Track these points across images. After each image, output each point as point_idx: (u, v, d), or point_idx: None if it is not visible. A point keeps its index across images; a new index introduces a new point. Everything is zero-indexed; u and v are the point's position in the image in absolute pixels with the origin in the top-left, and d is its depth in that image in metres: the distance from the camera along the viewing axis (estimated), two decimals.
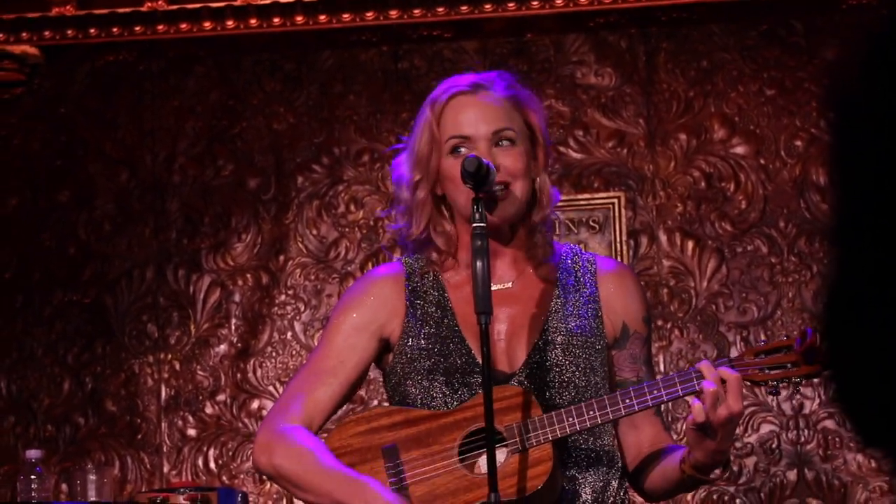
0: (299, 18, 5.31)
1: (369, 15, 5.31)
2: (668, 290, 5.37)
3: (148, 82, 5.63)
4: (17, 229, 5.57)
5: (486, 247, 2.76)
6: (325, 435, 2.99)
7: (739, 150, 5.42)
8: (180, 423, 5.46)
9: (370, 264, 5.41)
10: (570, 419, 2.80)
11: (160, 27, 5.36)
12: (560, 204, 3.10)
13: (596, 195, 5.44)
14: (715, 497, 5.27)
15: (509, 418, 2.82)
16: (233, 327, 5.50)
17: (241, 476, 5.42)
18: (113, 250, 5.55)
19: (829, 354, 1.42)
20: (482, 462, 2.80)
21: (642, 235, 5.41)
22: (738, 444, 5.22)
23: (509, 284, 3.00)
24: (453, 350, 2.93)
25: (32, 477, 4.80)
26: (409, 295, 3.00)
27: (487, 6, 5.27)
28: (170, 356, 5.50)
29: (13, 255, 5.55)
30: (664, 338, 5.34)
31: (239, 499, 4.93)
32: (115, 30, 5.37)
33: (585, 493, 2.91)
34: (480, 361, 2.86)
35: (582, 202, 5.43)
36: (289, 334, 5.49)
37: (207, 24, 5.34)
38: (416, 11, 5.29)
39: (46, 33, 5.39)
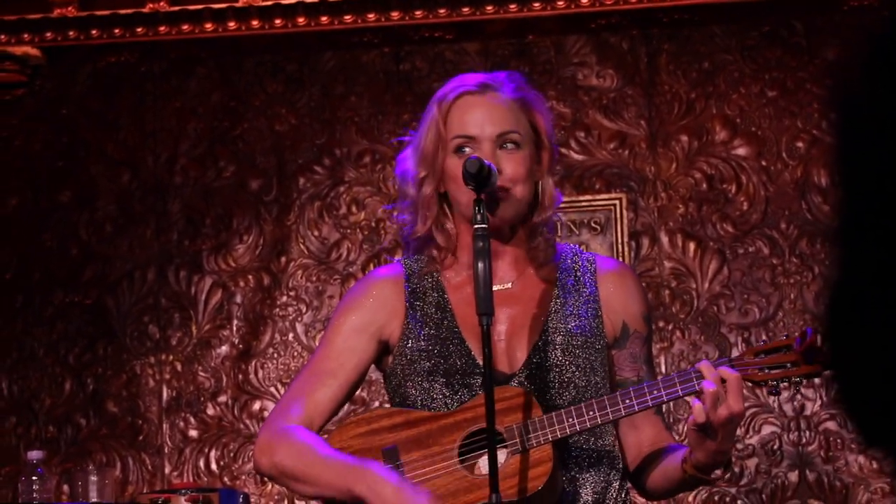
0: (301, 20, 5.31)
1: (371, 16, 5.31)
2: (669, 292, 5.37)
3: (150, 83, 5.63)
4: (18, 230, 5.57)
5: (487, 248, 2.76)
6: (325, 436, 2.99)
7: (741, 151, 5.42)
8: (182, 424, 5.46)
9: (371, 265, 5.41)
10: (571, 420, 2.80)
11: (162, 28, 5.36)
12: (561, 205, 3.10)
13: (597, 197, 5.44)
14: (716, 498, 5.27)
15: (510, 419, 2.82)
16: (234, 328, 5.50)
17: (243, 477, 5.42)
18: (114, 251, 5.55)
19: (830, 354, 1.42)
20: (482, 463, 2.80)
21: (644, 237, 5.41)
22: (739, 446, 5.22)
23: (509, 285, 3.00)
24: (453, 351, 2.93)
25: (34, 478, 4.80)
26: (408, 296, 3.00)
27: (489, 7, 5.27)
28: (171, 357, 5.50)
29: (14, 255, 5.55)
30: (665, 339, 5.34)
31: (240, 500, 4.93)
32: (116, 31, 5.37)
33: (586, 493, 2.91)
34: (480, 362, 2.87)
35: (583, 203, 5.43)
36: (290, 335, 5.49)
37: (209, 26, 5.34)
38: (417, 13, 5.29)
39: (48, 34, 5.39)
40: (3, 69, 5.45)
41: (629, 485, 3.03)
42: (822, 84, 5.33)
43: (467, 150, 2.95)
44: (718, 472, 2.88)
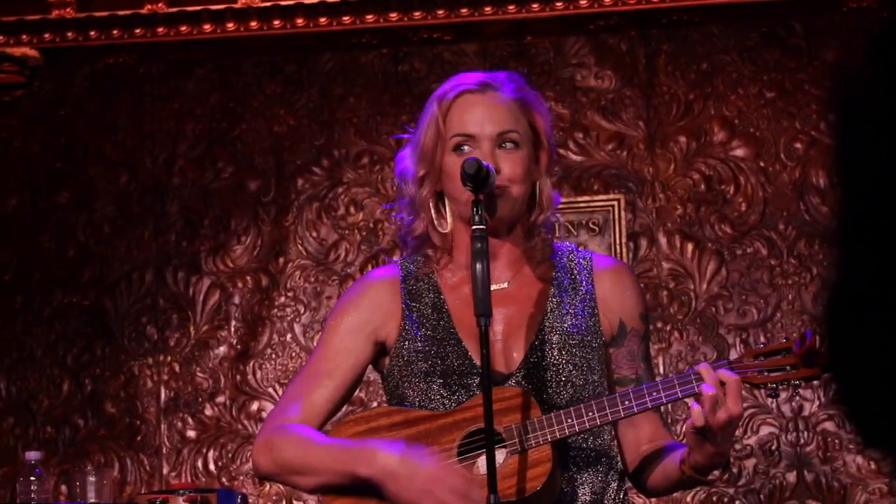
0: (300, 21, 5.31)
1: (369, 17, 5.31)
2: (667, 293, 5.37)
3: (148, 85, 5.63)
4: (16, 230, 5.57)
5: (485, 249, 2.76)
6: None
7: (739, 152, 5.42)
8: (180, 424, 5.46)
9: (370, 266, 5.41)
10: (570, 420, 2.80)
11: (160, 29, 5.36)
12: (560, 206, 3.10)
13: (595, 197, 5.44)
14: (715, 499, 5.27)
15: (508, 419, 2.81)
16: (232, 329, 5.50)
17: (241, 478, 5.42)
18: (112, 252, 5.55)
19: (829, 357, 1.42)
20: (481, 463, 2.79)
21: (642, 238, 5.41)
22: (737, 446, 5.22)
23: (505, 285, 2.99)
24: (450, 352, 2.93)
25: (32, 478, 4.80)
26: (405, 298, 3.00)
27: (487, 8, 5.27)
28: (169, 358, 5.50)
29: (13, 256, 5.55)
30: (664, 340, 5.34)
31: (238, 500, 4.93)
32: (115, 32, 5.37)
33: (584, 493, 2.91)
34: (478, 363, 2.86)
35: (581, 204, 5.43)
36: (288, 336, 5.49)
37: (207, 27, 5.34)
38: (416, 14, 5.29)
39: (46, 35, 5.39)
40: (2, 70, 5.45)
41: (627, 485, 3.03)
42: (820, 85, 5.33)
43: (466, 148, 2.94)
44: (716, 472, 2.88)
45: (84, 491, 4.96)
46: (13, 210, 5.58)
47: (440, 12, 5.28)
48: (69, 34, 5.38)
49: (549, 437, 2.80)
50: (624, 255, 5.36)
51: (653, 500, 4.68)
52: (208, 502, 4.76)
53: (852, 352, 1.37)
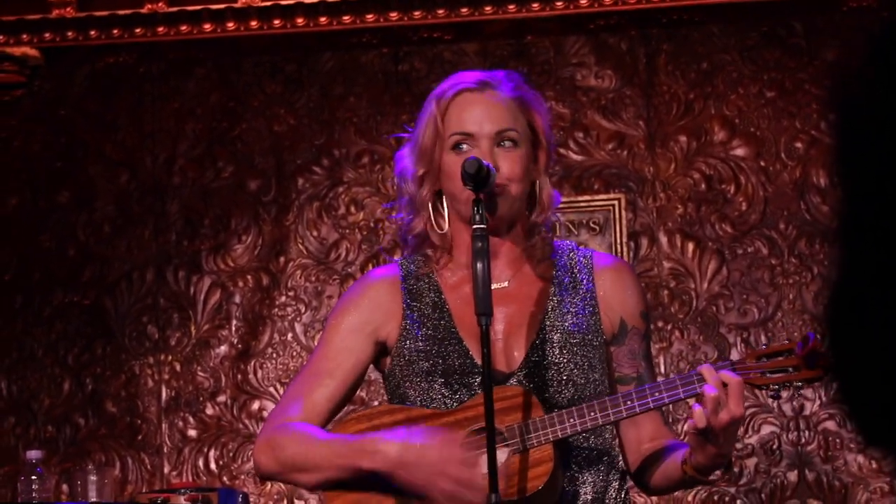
0: (300, 20, 5.32)
1: (370, 17, 5.31)
2: (668, 292, 5.37)
3: (148, 84, 5.63)
4: (17, 230, 5.57)
5: (486, 248, 2.76)
6: None
7: (739, 151, 5.42)
8: (181, 423, 5.46)
9: (370, 265, 5.41)
10: (572, 420, 2.80)
11: (160, 29, 5.36)
12: (560, 206, 3.10)
13: (596, 197, 5.44)
14: (716, 498, 5.27)
15: (510, 418, 2.81)
16: (233, 328, 5.51)
17: (242, 477, 5.42)
18: (113, 252, 5.55)
19: (832, 359, 1.42)
20: (483, 462, 2.79)
21: (642, 237, 5.41)
22: (738, 445, 5.22)
23: (506, 283, 2.99)
24: (451, 351, 2.93)
25: (33, 478, 4.80)
26: (405, 297, 3.00)
27: (488, 8, 5.27)
28: (170, 357, 5.50)
29: (13, 255, 5.56)
30: (664, 339, 5.34)
31: (240, 499, 4.93)
32: (115, 32, 5.37)
33: (586, 492, 2.91)
34: (478, 362, 2.86)
35: (582, 204, 5.43)
36: (289, 335, 5.49)
37: (208, 26, 5.34)
38: (416, 13, 5.29)
39: (46, 35, 5.39)
40: (2, 70, 5.46)
41: (629, 483, 3.03)
42: (821, 85, 5.34)
43: (465, 147, 2.94)
44: (717, 472, 2.88)
45: (85, 490, 4.96)
46: (13, 210, 5.58)
47: (440, 12, 5.28)
48: (69, 34, 5.38)
49: (550, 436, 2.80)
50: (624, 254, 5.36)
51: (654, 499, 4.69)
52: (209, 501, 4.76)
53: (853, 351, 1.37)
